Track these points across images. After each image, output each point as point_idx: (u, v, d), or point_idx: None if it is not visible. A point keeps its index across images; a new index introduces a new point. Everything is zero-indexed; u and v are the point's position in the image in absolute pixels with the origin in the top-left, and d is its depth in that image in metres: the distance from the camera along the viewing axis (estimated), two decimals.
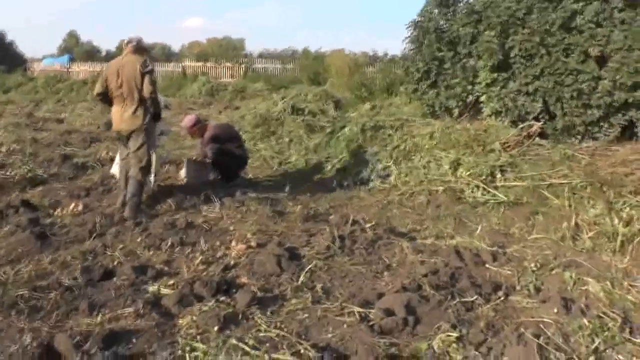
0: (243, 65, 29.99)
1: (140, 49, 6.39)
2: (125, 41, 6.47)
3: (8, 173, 7.58)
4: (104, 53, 62.37)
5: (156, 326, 3.57)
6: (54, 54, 56.52)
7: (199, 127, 7.95)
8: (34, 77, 30.48)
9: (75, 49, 62.55)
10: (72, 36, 71.02)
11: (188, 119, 8.12)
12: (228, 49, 39.24)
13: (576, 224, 5.69)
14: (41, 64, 36.56)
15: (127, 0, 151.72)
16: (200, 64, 30.94)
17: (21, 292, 3.98)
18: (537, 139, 7.86)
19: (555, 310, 3.82)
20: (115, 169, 6.88)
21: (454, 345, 3.38)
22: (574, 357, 3.27)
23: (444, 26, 9.95)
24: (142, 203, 6.33)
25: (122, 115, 6.25)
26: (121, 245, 5.19)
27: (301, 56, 30.01)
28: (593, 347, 3.34)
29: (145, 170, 6.30)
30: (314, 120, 11.38)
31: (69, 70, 32.40)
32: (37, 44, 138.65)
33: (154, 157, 6.58)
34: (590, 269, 4.56)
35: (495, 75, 8.60)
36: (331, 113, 12.38)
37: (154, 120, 6.48)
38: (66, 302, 3.93)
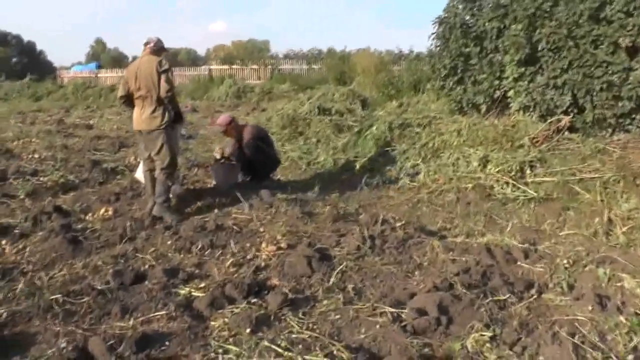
0: (269, 67, 30.06)
1: (158, 49, 6.43)
2: (144, 42, 6.51)
3: (41, 179, 7.71)
4: (130, 59, 63.23)
5: (188, 329, 3.61)
6: (82, 61, 57.49)
7: (234, 125, 7.96)
8: (64, 84, 30.93)
9: (102, 55, 63.51)
10: (99, 43, 72.12)
11: (224, 117, 8.17)
12: (253, 51, 39.37)
13: (609, 219, 5.62)
14: (70, 71, 37.06)
15: (152, 7, 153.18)
16: (226, 66, 31.09)
17: (55, 297, 4.06)
18: (566, 133, 7.76)
19: (590, 308, 3.78)
20: (139, 174, 6.91)
21: (488, 344, 3.36)
22: (612, 356, 3.23)
23: (470, 21, 9.86)
24: (172, 206, 6.39)
25: (141, 116, 6.31)
26: (152, 249, 5.26)
27: (327, 56, 29.92)
28: (632, 345, 3.29)
29: (169, 170, 6.34)
30: (341, 119, 11.37)
31: (97, 76, 32.80)
32: (66, 53, 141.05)
33: (179, 160, 6.69)
34: (625, 265, 4.48)
35: (522, 69, 8.50)
36: (358, 112, 12.36)
37: (175, 121, 6.52)
38: (99, 305, 4.00)
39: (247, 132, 7.91)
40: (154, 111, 6.21)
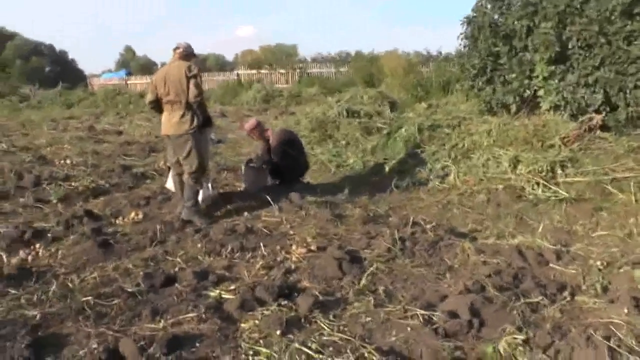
0: (297, 71, 30.12)
1: (188, 54, 6.46)
2: (173, 47, 6.56)
3: (73, 184, 7.82)
4: (159, 65, 63.96)
5: (219, 330, 3.63)
6: (111, 69, 58.36)
7: (260, 129, 7.99)
8: (94, 92, 31.36)
9: (132, 62, 64.38)
10: (129, 50, 73.08)
11: (250, 122, 8.22)
12: (281, 55, 39.46)
13: None
14: (100, 79, 37.60)
15: (180, 15, 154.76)
16: (254, 71, 31.21)
17: (87, 299, 4.11)
18: (598, 132, 7.64)
19: (626, 311, 3.70)
20: (169, 183, 6.91)
21: (520, 348, 3.31)
22: None
23: (499, 20, 9.77)
24: (202, 210, 6.42)
25: (169, 121, 6.32)
26: (182, 252, 5.29)
27: (354, 59, 29.88)
28: None
29: (198, 174, 6.37)
30: (370, 122, 11.34)
31: (127, 83, 33.21)
32: (96, 61, 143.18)
33: (210, 165, 6.71)
34: None
35: (553, 67, 8.40)
36: (387, 114, 12.31)
37: (204, 125, 6.55)
38: (130, 307, 4.03)
39: (274, 136, 7.93)
40: (182, 116, 6.24)
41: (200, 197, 6.46)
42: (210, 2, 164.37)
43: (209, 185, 6.91)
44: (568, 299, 4.04)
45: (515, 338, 3.39)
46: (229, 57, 76.26)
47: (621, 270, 4.45)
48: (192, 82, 6.16)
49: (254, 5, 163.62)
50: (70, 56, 67.94)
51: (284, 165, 7.76)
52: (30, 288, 4.43)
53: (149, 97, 6.58)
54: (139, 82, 33.30)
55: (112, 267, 4.88)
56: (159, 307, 4.02)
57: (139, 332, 3.62)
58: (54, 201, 7.06)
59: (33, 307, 4.08)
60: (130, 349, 3.35)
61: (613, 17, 7.70)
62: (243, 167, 7.78)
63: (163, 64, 6.85)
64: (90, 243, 5.32)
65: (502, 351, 3.29)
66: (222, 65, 64.10)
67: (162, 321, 3.80)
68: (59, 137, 13.05)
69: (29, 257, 5.13)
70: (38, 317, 3.88)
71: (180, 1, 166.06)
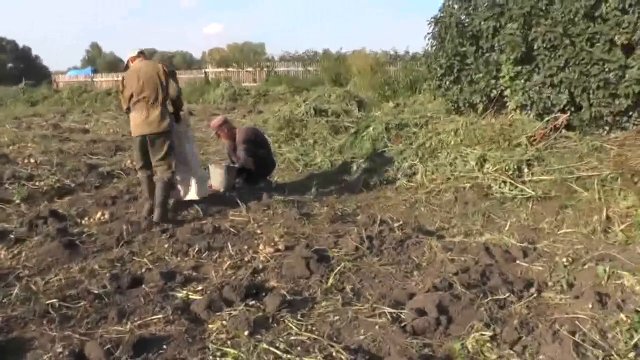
0: (265, 69, 30.03)
1: (149, 56, 6.45)
2: (136, 52, 6.50)
3: (37, 184, 7.68)
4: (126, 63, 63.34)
5: (186, 332, 3.60)
6: (77, 66, 57.51)
7: (227, 126, 7.97)
8: (59, 89, 30.87)
9: (98, 60, 63.57)
10: (95, 47, 72.16)
11: (217, 119, 8.23)
12: (249, 54, 39.27)
13: (607, 216, 5.60)
14: (66, 76, 37.03)
15: (147, 11, 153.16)
16: (222, 69, 31.04)
17: (52, 301, 4.04)
18: (563, 131, 7.74)
19: (590, 306, 3.76)
20: (192, 194, 6.85)
21: (488, 344, 3.34)
22: (613, 353, 3.21)
23: (466, 21, 9.83)
24: (169, 210, 6.35)
25: (146, 120, 6.17)
26: (149, 252, 5.24)
27: (322, 57, 29.87)
28: (632, 342, 3.26)
29: (173, 174, 6.31)
30: (338, 120, 11.37)
31: (93, 80, 32.77)
32: (62, 57, 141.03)
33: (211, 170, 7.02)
34: (624, 262, 4.44)
35: (519, 68, 8.48)
36: (355, 113, 12.36)
37: (178, 121, 6.53)
38: (96, 310, 3.98)
39: (240, 134, 7.89)
40: (161, 114, 6.17)
41: (194, 192, 6.58)
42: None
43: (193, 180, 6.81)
44: (535, 295, 4.09)
45: (482, 334, 3.42)
46: (197, 55, 75.77)
47: (586, 267, 4.51)
48: (171, 79, 6.15)
49: (222, 2, 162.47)
50: (34, 52, 66.73)
51: (248, 163, 7.71)
52: None
53: (125, 102, 6.43)
54: (105, 79, 32.87)
55: (78, 269, 4.82)
56: (125, 308, 3.98)
57: (105, 335, 3.57)
58: (17, 201, 6.93)
59: None
60: (96, 353, 3.30)
61: (576, 19, 7.81)
62: (210, 167, 7.69)
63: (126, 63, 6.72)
64: (55, 244, 5.23)
65: (470, 348, 3.32)
66: (189, 63, 63.75)
67: (129, 323, 3.76)
68: (23, 135, 12.82)
69: None
70: (0, 320, 3.80)
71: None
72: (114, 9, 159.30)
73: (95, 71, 40.22)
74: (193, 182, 6.69)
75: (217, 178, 7.48)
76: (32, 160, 9.24)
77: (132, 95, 6.25)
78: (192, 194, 6.68)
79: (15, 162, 9.18)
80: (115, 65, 60.50)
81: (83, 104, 23.99)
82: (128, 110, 6.44)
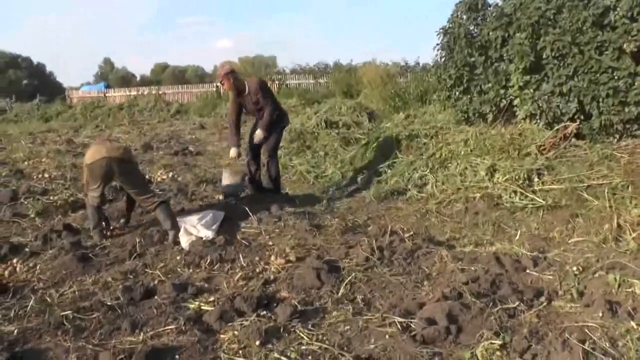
0: (276, 82, 30.13)
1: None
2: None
3: (51, 198, 7.76)
4: (138, 78, 63.81)
5: (198, 342, 3.64)
6: (90, 81, 58.04)
7: (233, 76, 7.50)
8: (73, 104, 31.14)
9: (111, 75, 64.09)
10: (108, 63, 72.79)
11: (225, 67, 7.69)
12: (260, 67, 39.45)
13: (618, 225, 5.58)
14: (79, 91, 37.35)
15: (159, 27, 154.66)
16: None
17: (66, 313, 4.10)
18: (573, 139, 7.75)
19: (601, 314, 3.76)
20: (184, 241, 5.99)
21: (498, 353, 3.35)
22: None
23: (474, 31, 9.88)
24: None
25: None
26: (161, 264, 5.30)
27: (333, 70, 29.92)
28: None
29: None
30: (349, 132, 11.41)
31: (106, 95, 33.03)
32: (75, 73, 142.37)
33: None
34: (635, 271, 4.42)
35: (528, 77, 8.50)
36: (365, 125, 12.40)
37: None
38: (109, 321, 4.03)
39: (254, 85, 7.56)
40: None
41: (184, 244, 5.87)
42: (190, 14, 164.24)
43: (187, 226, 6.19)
44: (545, 304, 4.09)
45: (492, 343, 3.42)
46: (208, 69, 76.22)
47: (596, 275, 4.51)
48: None
49: (234, 17, 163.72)
50: (48, 69, 67.40)
51: (272, 110, 7.58)
52: (7, 303, 4.41)
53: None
54: (117, 94, 33.10)
55: (91, 281, 4.88)
56: (138, 320, 4.03)
57: (119, 346, 3.62)
58: (32, 215, 7.01)
59: (10, 322, 4.07)
60: None
61: (585, 28, 7.83)
62: (224, 172, 7.56)
63: (142, 76, 6.80)
64: (69, 257, 5.30)
65: (479, 356, 3.33)
66: (201, 77, 64.02)
67: (142, 334, 3.81)
68: (37, 150, 12.95)
69: (6, 272, 5.09)
70: (15, 332, 3.87)
71: (158, 14, 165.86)
72: (126, 25, 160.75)
73: (108, 86, 40.53)
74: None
75: (225, 180, 7.42)
76: (46, 175, 9.35)
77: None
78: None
79: (30, 177, 9.30)
80: (127, 80, 61.03)
81: (96, 119, 24.19)
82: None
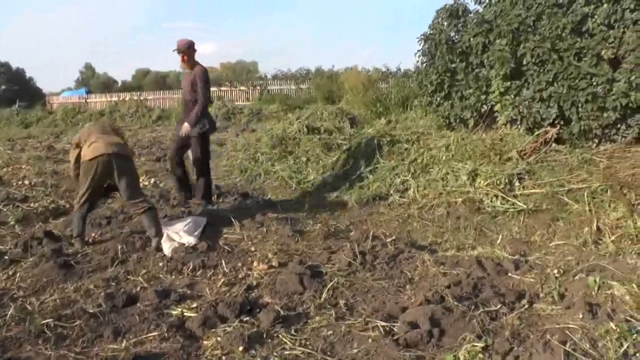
0: (258, 88, 30.13)
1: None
2: None
3: (31, 205, 7.69)
4: (120, 83, 63.36)
5: (181, 348, 3.62)
6: (71, 87, 57.61)
7: (194, 52, 7.39)
8: (53, 110, 30.92)
9: (92, 80, 63.62)
10: (89, 68, 72.29)
11: (188, 39, 7.42)
12: (242, 73, 39.47)
13: (598, 228, 5.66)
14: (59, 97, 37.08)
15: (140, 32, 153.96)
16: (214, 88, 31.07)
17: (47, 321, 4.06)
18: (553, 144, 7.84)
19: (581, 316, 3.80)
20: (166, 248, 5.87)
21: (480, 355, 3.37)
22: None
23: (455, 37, 9.96)
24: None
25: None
26: (144, 271, 5.26)
27: (315, 75, 30.00)
28: (622, 351, 3.30)
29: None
30: (331, 138, 11.40)
31: (87, 101, 32.83)
32: (55, 79, 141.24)
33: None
34: (614, 273, 4.48)
35: (508, 83, 8.59)
36: (347, 130, 12.40)
37: None
38: (91, 329, 4.00)
39: (203, 73, 7.36)
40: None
41: (167, 250, 5.81)
42: (172, 19, 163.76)
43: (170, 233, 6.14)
44: (526, 306, 4.13)
45: (474, 346, 3.45)
46: None
47: (576, 278, 4.55)
48: None
49: (215, 23, 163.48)
50: (28, 74, 66.72)
51: (205, 105, 7.41)
52: None
53: None
54: (99, 100, 32.93)
55: (73, 288, 4.83)
56: (121, 327, 4.01)
57: (101, 354, 3.60)
58: (12, 223, 6.93)
59: None
60: None
61: (564, 35, 7.93)
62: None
63: (124, 82, 6.71)
64: (50, 264, 5.25)
65: (462, 359, 3.35)
66: None
67: (125, 341, 3.79)
68: (17, 157, 12.81)
69: None
70: None
71: (141, 20, 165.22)
72: (107, 30, 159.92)
73: (89, 92, 40.28)
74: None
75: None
76: (26, 182, 9.25)
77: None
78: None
79: (9, 184, 9.19)
80: (108, 85, 60.66)
81: (77, 125, 24.01)
82: None
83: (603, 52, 7.51)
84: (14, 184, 9.15)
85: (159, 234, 5.98)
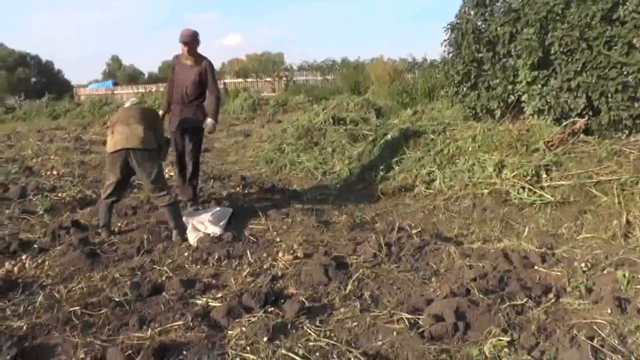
0: (284, 79, 30.11)
1: None
2: None
3: (59, 195, 7.81)
4: (146, 75, 63.82)
5: (206, 338, 3.65)
6: (98, 79, 58.20)
7: (198, 43, 6.99)
8: (80, 102, 31.22)
9: (118, 72, 64.16)
10: (115, 60, 72.91)
11: (192, 30, 6.94)
12: (268, 64, 39.46)
13: (627, 221, 5.57)
14: (87, 89, 37.45)
15: (166, 24, 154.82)
16: (240, 80, 31.16)
17: (74, 309, 4.12)
18: (581, 135, 7.69)
19: (609, 311, 3.75)
20: (192, 238, 5.95)
21: (506, 349, 3.35)
22: (632, 358, 3.20)
23: (482, 27, 9.83)
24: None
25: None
26: (169, 261, 5.32)
27: (341, 66, 29.86)
28: None
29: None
30: (356, 129, 11.37)
31: (113, 93, 33.11)
32: (83, 71, 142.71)
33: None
34: None
35: (536, 73, 8.45)
36: (373, 121, 12.36)
37: None
38: (117, 317, 4.05)
39: (213, 69, 7.06)
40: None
41: (192, 240, 5.87)
42: (198, 11, 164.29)
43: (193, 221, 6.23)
44: (553, 300, 4.08)
45: (500, 340, 3.42)
46: (216, 66, 76.14)
47: (605, 272, 4.50)
48: None
49: (241, 14, 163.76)
50: (57, 67, 67.56)
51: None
52: (16, 299, 4.45)
53: None
54: (125, 92, 33.16)
55: (99, 277, 4.90)
56: (146, 316, 4.04)
57: (127, 342, 3.64)
58: (41, 212, 7.05)
59: (19, 318, 4.09)
60: (117, 358, 3.36)
61: (593, 23, 7.78)
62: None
63: (150, 74, 6.60)
64: (77, 253, 5.32)
65: (487, 353, 3.33)
66: None
67: (150, 330, 3.81)
68: (46, 148, 13.03)
69: (15, 269, 5.12)
70: (24, 328, 3.90)
71: (169, 11, 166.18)
72: (135, 22, 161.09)
73: (115, 84, 40.62)
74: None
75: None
76: (54, 172, 9.41)
77: None
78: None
79: (39, 174, 9.36)
80: (135, 77, 61.11)
81: (104, 117, 24.25)
82: None
83: (635, 40, 7.33)
84: (43, 174, 9.31)
85: (179, 227, 6.02)
